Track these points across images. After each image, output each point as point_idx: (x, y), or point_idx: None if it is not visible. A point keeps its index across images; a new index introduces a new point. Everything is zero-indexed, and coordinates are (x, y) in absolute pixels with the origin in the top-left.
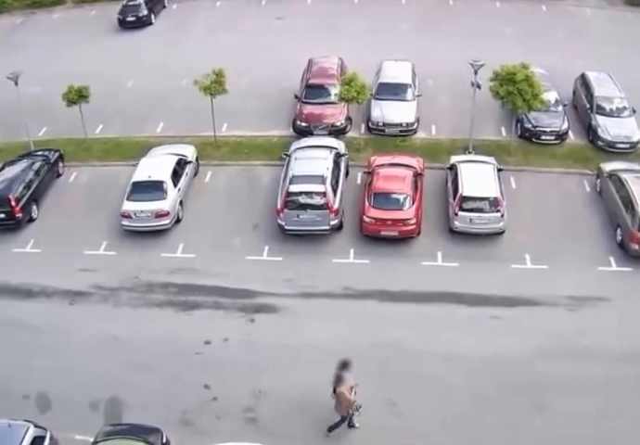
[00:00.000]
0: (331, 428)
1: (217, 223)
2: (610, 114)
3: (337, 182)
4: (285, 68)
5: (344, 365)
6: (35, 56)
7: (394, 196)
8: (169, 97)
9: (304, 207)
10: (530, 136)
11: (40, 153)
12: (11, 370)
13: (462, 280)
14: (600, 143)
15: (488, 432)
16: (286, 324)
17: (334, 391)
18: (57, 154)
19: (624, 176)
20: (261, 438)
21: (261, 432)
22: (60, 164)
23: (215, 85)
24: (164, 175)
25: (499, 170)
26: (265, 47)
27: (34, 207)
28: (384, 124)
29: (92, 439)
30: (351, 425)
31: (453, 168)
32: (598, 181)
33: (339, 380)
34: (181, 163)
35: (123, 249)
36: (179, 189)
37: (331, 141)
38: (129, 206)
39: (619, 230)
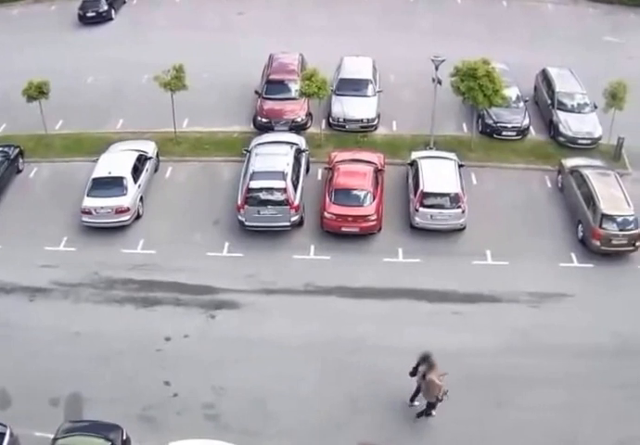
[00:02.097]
0: (420, 414)
1: (177, 219)
2: (572, 110)
3: (297, 178)
4: (245, 63)
5: (426, 357)
6: None
7: (355, 192)
8: (129, 93)
9: (265, 203)
10: (491, 132)
11: (0, 149)
12: None
13: (423, 276)
14: (561, 139)
15: (451, 426)
16: (246, 320)
17: (423, 377)
18: (17, 150)
19: (586, 172)
20: (221, 435)
21: (221, 428)
22: (20, 160)
23: (175, 81)
24: (124, 171)
25: (460, 166)
26: (226, 43)
27: None
28: (345, 120)
29: (52, 436)
30: (428, 414)
31: (413, 164)
32: (560, 177)
33: (431, 367)
34: (141, 159)
35: (84, 245)
36: (139, 185)
37: (292, 137)
38: (89, 202)
39: (580, 226)
